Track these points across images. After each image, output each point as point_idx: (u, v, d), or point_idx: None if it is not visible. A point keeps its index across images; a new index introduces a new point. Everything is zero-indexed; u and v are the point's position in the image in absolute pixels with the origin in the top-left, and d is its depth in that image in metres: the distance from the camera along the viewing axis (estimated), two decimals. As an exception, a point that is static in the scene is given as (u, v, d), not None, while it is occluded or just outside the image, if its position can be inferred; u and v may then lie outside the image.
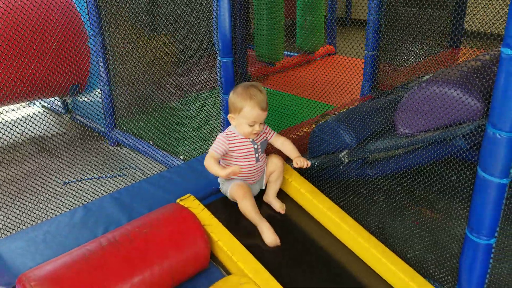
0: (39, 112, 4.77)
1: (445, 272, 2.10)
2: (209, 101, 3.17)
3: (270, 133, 2.34)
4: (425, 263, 2.15)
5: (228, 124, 2.80)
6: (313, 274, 2.07)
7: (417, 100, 2.03)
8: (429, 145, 2.07)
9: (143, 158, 3.77)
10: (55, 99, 4.50)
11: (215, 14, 2.59)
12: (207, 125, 3.18)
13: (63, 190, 3.41)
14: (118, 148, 4.01)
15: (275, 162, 2.33)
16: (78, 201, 3.16)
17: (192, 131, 3.31)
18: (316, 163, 2.52)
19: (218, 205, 2.30)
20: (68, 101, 4.44)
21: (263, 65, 5.28)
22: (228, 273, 2.01)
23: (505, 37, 1.58)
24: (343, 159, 2.34)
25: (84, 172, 3.58)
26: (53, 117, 4.61)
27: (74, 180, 3.48)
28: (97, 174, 3.54)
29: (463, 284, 1.99)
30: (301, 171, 2.51)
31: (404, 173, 2.18)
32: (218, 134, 2.91)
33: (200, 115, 3.25)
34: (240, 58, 5.27)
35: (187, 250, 1.90)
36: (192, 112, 3.38)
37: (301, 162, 2.19)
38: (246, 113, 2.12)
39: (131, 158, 3.81)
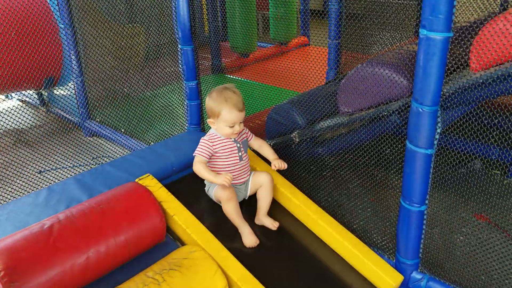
0: (15, 106, 4.88)
1: (386, 240, 2.26)
2: (175, 91, 3.30)
3: (249, 135, 2.40)
4: (369, 233, 2.31)
5: (193, 109, 2.95)
6: (262, 243, 2.23)
7: (354, 80, 2.18)
8: (369, 123, 2.22)
9: (116, 147, 3.90)
10: (31, 93, 4.60)
11: (173, 3, 2.71)
12: (173, 113, 3.32)
13: (38, 178, 3.53)
14: (93, 138, 4.13)
15: (261, 177, 2.33)
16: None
17: (160, 119, 3.44)
18: (271, 144, 2.66)
19: (176, 184, 2.44)
20: (44, 94, 4.54)
21: (238, 57, 5.41)
22: (184, 245, 2.15)
23: (421, 18, 1.73)
24: (294, 138, 2.49)
25: (60, 162, 3.69)
26: (30, 110, 4.72)
27: (49, 169, 3.59)
28: (72, 164, 3.66)
29: (401, 249, 2.16)
30: (256, 151, 2.67)
31: (349, 150, 2.34)
32: (183, 119, 3.06)
33: (167, 104, 3.38)
34: (214, 50, 5.41)
35: (142, 224, 2.04)
36: (159, 101, 3.51)
37: (279, 164, 2.26)
38: (224, 116, 2.18)
39: (104, 148, 3.93)
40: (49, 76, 4.17)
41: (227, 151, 2.27)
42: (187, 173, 2.54)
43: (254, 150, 2.53)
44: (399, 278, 2.13)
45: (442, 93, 1.81)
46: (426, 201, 2.03)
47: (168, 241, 2.16)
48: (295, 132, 2.50)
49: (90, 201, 2.06)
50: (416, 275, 2.15)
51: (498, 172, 3.25)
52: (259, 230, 2.26)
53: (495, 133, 2.75)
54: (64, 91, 4.25)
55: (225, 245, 2.07)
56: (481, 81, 1.80)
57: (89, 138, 4.15)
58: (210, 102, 2.23)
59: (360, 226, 2.32)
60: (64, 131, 4.29)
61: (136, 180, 2.29)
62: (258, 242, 2.17)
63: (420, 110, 1.85)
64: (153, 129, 3.52)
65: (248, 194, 2.40)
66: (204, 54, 5.32)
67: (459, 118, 2.13)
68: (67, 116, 4.29)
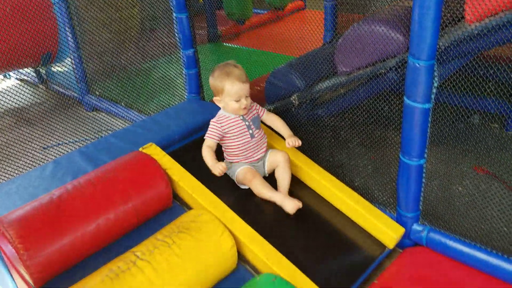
0: (14, 85, 4.88)
1: (387, 195, 2.32)
2: (174, 62, 3.30)
3: (261, 110, 2.36)
4: (370, 189, 2.36)
5: (191, 78, 2.96)
6: (268, 205, 2.29)
7: (351, 39, 2.19)
8: (368, 82, 2.24)
9: (117, 120, 3.93)
10: (29, 71, 4.60)
11: (166, -29, 2.70)
12: (173, 83, 3.33)
13: (43, 155, 3.58)
14: (94, 113, 4.16)
15: (277, 157, 2.31)
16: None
17: (160, 90, 3.46)
18: (271, 108, 2.69)
19: (179, 152, 2.48)
20: (42, 71, 4.54)
21: (234, 24, 5.37)
22: (190, 209, 2.21)
23: (415, -28, 1.73)
24: (293, 101, 2.51)
25: (63, 137, 3.73)
26: (29, 88, 4.72)
27: (53, 145, 3.63)
28: (75, 139, 3.70)
29: (401, 202, 2.21)
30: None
31: (348, 110, 2.37)
32: (182, 89, 3.08)
33: (166, 75, 3.39)
34: (210, 18, 5.36)
35: (149, 191, 2.10)
36: (158, 72, 3.52)
37: (293, 141, 2.22)
38: (228, 90, 2.16)
39: (106, 121, 3.96)
40: (46, 52, 4.17)
41: (236, 130, 2.24)
42: (189, 141, 2.57)
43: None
44: (400, 230, 2.19)
45: (438, 46, 1.82)
46: (425, 155, 2.07)
47: (175, 206, 2.22)
48: (295, 95, 2.52)
49: (96, 171, 2.10)
50: (417, 227, 2.21)
51: (497, 125, 3.28)
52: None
53: (493, 86, 2.77)
54: (62, 67, 4.25)
55: (231, 207, 2.12)
56: (476, 32, 1.81)
57: (90, 112, 4.18)
58: (213, 79, 2.22)
59: (362, 183, 2.37)
60: (64, 107, 4.30)
61: (140, 149, 2.33)
62: (300, 204, 2.15)
63: (417, 65, 1.86)
64: (153, 101, 3.54)
65: (266, 172, 2.36)
66: (200, 23, 5.28)
67: (456, 71, 2.15)
68: (67, 92, 4.30)
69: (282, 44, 4.31)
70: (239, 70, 2.19)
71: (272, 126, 2.37)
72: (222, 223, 2.00)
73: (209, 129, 2.24)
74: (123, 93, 3.82)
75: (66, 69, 4.22)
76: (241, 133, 2.25)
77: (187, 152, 2.50)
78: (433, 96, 1.93)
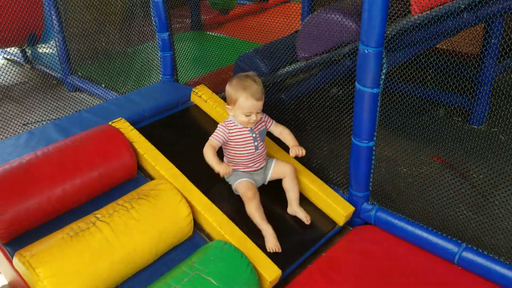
0: (1, 64, 4.98)
1: (341, 176, 2.46)
2: (152, 48, 3.43)
3: (269, 122, 2.34)
4: (326, 170, 2.50)
5: (166, 61, 3.09)
6: (225, 180, 2.42)
7: (310, 26, 2.32)
8: (325, 68, 2.38)
9: (97, 101, 4.05)
10: (15, 50, 4.70)
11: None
12: (150, 67, 3.46)
13: (22, 130, 3.69)
14: (76, 93, 4.27)
15: (284, 169, 2.31)
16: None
17: (138, 73, 3.59)
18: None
19: (148, 128, 2.61)
20: (28, 51, 4.64)
21: (217, 13, 5.48)
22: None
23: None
24: (259, 85, 2.64)
25: (44, 115, 3.85)
26: (15, 67, 4.82)
27: (33, 121, 3.75)
28: (55, 117, 3.82)
29: (353, 183, 2.36)
30: (226, 99, 2.83)
31: (308, 95, 2.51)
32: (158, 72, 3.21)
33: (145, 59, 3.52)
34: (193, 7, 5.46)
35: (114, 161, 2.23)
36: (137, 57, 3.66)
37: (298, 151, 2.20)
38: (241, 103, 2.14)
39: (86, 101, 4.08)
40: (31, 33, 4.28)
41: (242, 140, 2.24)
42: (159, 119, 2.70)
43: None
44: (350, 208, 2.34)
45: (385, 34, 1.97)
46: (374, 138, 2.22)
47: (139, 177, 2.35)
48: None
49: (65, 140, 2.23)
50: (366, 206, 2.36)
51: (460, 119, 3.44)
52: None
53: (456, 81, 2.92)
54: (47, 48, 4.35)
55: (191, 180, 2.26)
56: (418, 22, 1.95)
57: (72, 93, 4.29)
58: (229, 88, 2.20)
59: (318, 164, 2.52)
60: (48, 87, 4.42)
61: (109, 123, 2.45)
62: (279, 246, 2.12)
63: (366, 51, 2.00)
64: (131, 82, 3.66)
65: (267, 180, 2.37)
66: (184, 12, 5.38)
67: (423, 67, 2.28)
68: (50, 72, 4.41)
69: (263, 34, 4.43)
70: (257, 85, 2.16)
71: (280, 137, 2.34)
72: (180, 193, 2.14)
73: (216, 130, 2.25)
74: (103, 75, 3.94)
75: (50, 50, 4.33)
76: (247, 144, 2.25)
77: (155, 129, 2.63)
78: (381, 82, 2.07)
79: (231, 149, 2.27)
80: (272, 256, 2.08)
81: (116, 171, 2.23)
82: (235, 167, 2.29)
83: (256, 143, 2.26)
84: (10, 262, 1.90)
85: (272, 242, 2.12)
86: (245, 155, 2.26)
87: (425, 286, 1.98)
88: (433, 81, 3.46)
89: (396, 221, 2.26)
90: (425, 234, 2.16)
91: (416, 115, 3.21)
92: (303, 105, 2.51)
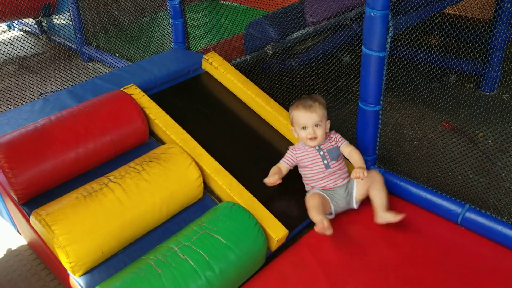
0: (18, 36, 5.06)
1: (349, 140, 2.48)
2: (164, 17, 3.45)
3: (340, 141, 2.29)
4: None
5: (177, 28, 3.12)
6: (239, 145, 2.48)
7: (318, -10, 2.32)
8: (334, 33, 2.38)
9: (111, 70, 4.11)
10: (31, 22, 4.77)
11: None
12: (164, 35, 3.49)
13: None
14: (90, 64, 4.34)
15: (370, 176, 2.17)
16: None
17: (151, 42, 3.63)
18: (249, 58, 2.85)
19: (159, 95, 2.66)
20: (43, 22, 4.71)
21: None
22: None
23: None
24: (268, 51, 2.67)
25: (60, 85, 3.93)
26: (31, 38, 4.90)
27: (50, 91, 3.84)
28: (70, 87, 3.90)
29: (360, 146, 2.39)
30: (237, 67, 2.86)
31: (317, 60, 2.52)
32: (170, 40, 3.24)
33: (157, 27, 3.55)
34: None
35: (126, 126, 2.29)
36: (151, 26, 3.69)
37: (358, 173, 2.08)
38: (296, 119, 2.22)
39: (101, 71, 4.14)
40: (45, 3, 4.33)
41: (310, 160, 2.23)
42: (170, 86, 2.75)
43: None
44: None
45: (392, -3, 1.96)
46: (381, 102, 2.23)
47: (151, 142, 2.42)
48: (269, 45, 2.67)
49: (78, 105, 2.30)
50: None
51: (471, 85, 3.41)
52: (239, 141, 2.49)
53: (468, 47, 2.89)
54: (62, 19, 4.41)
55: (201, 144, 2.32)
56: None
57: (86, 63, 4.36)
58: (290, 110, 2.29)
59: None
60: (63, 57, 4.49)
61: (121, 89, 2.51)
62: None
63: (372, 14, 2.01)
64: (144, 51, 3.71)
65: (354, 200, 2.20)
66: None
67: (434, 32, 2.27)
68: (66, 42, 4.48)
69: (273, 2, 4.41)
70: (311, 100, 2.20)
71: (348, 157, 2.26)
72: (190, 156, 2.20)
73: (286, 154, 2.29)
74: (117, 44, 3.98)
75: (65, 21, 4.39)
76: (315, 163, 2.22)
77: (167, 95, 2.68)
78: (388, 45, 2.08)
79: (303, 169, 2.28)
80: (280, 216, 2.13)
81: (127, 135, 2.29)
82: (312, 186, 2.26)
83: (326, 161, 2.21)
84: (28, 221, 2.00)
85: (319, 226, 2.03)
86: (316, 174, 2.22)
87: (428, 246, 2.03)
88: (444, 48, 3.42)
89: (401, 184, 2.30)
90: (429, 196, 2.19)
91: (427, 82, 3.20)
92: (312, 71, 2.53)
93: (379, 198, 2.12)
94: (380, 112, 2.26)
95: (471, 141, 2.71)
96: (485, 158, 2.44)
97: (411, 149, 2.32)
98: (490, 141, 2.64)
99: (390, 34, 2.05)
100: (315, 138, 2.20)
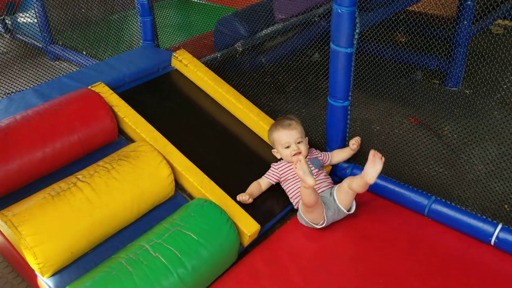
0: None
1: (318, 136, 2.52)
2: (132, 15, 3.41)
3: (326, 156, 2.36)
4: (305, 131, 2.55)
5: (146, 26, 3.09)
6: (210, 142, 2.48)
7: (286, -13, 2.34)
8: (303, 30, 2.40)
9: (79, 69, 4.04)
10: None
11: None
12: (132, 33, 3.46)
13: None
14: (57, 62, 4.25)
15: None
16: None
17: (119, 40, 3.58)
18: (219, 55, 2.85)
19: (128, 93, 2.63)
20: (7, 20, 4.58)
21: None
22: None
23: None
24: (238, 48, 2.67)
25: (25, 85, 3.84)
26: (-5, 37, 4.77)
27: (15, 91, 3.74)
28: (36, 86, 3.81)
29: (330, 142, 2.43)
30: (207, 64, 2.86)
31: (286, 57, 2.54)
32: (139, 38, 3.21)
33: (124, 25, 3.51)
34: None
35: (94, 124, 2.25)
36: (119, 24, 3.64)
37: (354, 141, 2.29)
38: (277, 139, 2.26)
39: (68, 70, 4.06)
40: (9, 1, 4.22)
41: (294, 173, 2.22)
42: (139, 83, 2.72)
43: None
44: (328, 167, 2.41)
45: (358, -6, 2.00)
46: (349, 97, 2.27)
47: (120, 140, 2.39)
48: (239, 42, 2.68)
49: (44, 104, 2.25)
50: (342, 164, 2.43)
51: (437, 81, 3.50)
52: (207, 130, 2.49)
53: (434, 44, 2.96)
54: (27, 17, 4.30)
55: (171, 142, 2.30)
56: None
57: (53, 62, 4.27)
58: (268, 134, 2.36)
59: (297, 125, 2.57)
60: (29, 57, 4.38)
61: (89, 87, 2.47)
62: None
63: (340, 11, 2.04)
64: (112, 49, 3.66)
65: (340, 206, 2.08)
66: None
67: (401, 30, 2.32)
68: (32, 41, 4.37)
69: (249, 0, 4.42)
70: (289, 120, 2.28)
71: (340, 157, 2.37)
72: (161, 154, 2.19)
73: (268, 170, 2.30)
74: (84, 42, 3.92)
75: (30, 19, 4.28)
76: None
77: (136, 93, 2.65)
78: (355, 42, 2.11)
79: (286, 183, 2.26)
80: (252, 212, 2.15)
81: (96, 134, 2.26)
82: (298, 202, 2.19)
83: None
84: (-6, 223, 1.95)
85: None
86: (299, 185, 2.15)
87: (397, 237, 2.07)
88: (411, 45, 3.50)
89: (370, 178, 2.34)
90: (397, 189, 2.24)
91: (395, 78, 3.26)
92: (282, 68, 2.55)
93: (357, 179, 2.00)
94: (349, 107, 2.30)
95: (437, 135, 2.78)
96: (450, 151, 2.51)
97: (379, 144, 2.37)
98: (454, 135, 2.71)
99: (357, 31, 2.09)
100: (299, 153, 2.23)
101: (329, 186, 2.23)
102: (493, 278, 1.86)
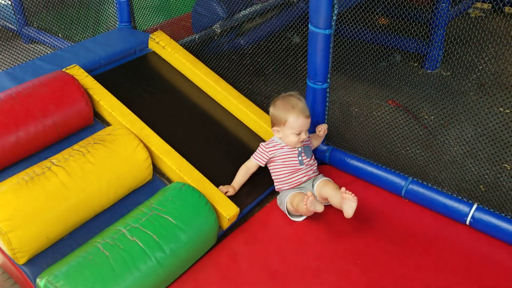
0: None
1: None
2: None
3: (311, 139, 2.31)
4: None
5: (122, 7, 3.01)
6: (188, 126, 2.45)
7: (264, -33, 2.31)
8: (282, 11, 2.38)
9: (53, 51, 3.94)
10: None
11: None
12: (108, 15, 3.38)
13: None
14: (32, 45, 4.14)
15: (324, 181, 2.15)
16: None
17: (96, 21, 3.50)
18: (197, 37, 2.81)
19: (104, 75, 2.58)
20: (-21, 2, 4.44)
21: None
22: (111, 127, 2.34)
23: None
24: (216, 29, 2.63)
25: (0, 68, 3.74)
26: (-34, 19, 4.62)
27: (-12, 74, 3.64)
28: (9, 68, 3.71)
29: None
30: (185, 46, 2.82)
31: (265, 39, 2.52)
32: (115, 19, 3.14)
33: (101, 6, 3.43)
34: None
35: (69, 107, 2.21)
36: (95, 4, 3.55)
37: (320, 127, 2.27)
38: (291, 123, 2.09)
39: (44, 53, 3.96)
40: (-20, -19, 4.08)
41: (285, 156, 2.18)
42: (115, 66, 2.67)
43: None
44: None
45: (336, -26, 1.98)
46: (328, 80, 2.26)
47: (96, 124, 2.35)
48: (217, 23, 2.64)
49: (17, 87, 2.19)
50: (322, 147, 2.44)
51: (416, 64, 3.52)
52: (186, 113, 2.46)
53: (412, 26, 2.97)
54: (-1, -2, 4.17)
55: (149, 125, 2.27)
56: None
57: (28, 45, 4.16)
58: (275, 110, 2.15)
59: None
60: (2, 39, 4.26)
61: (63, 70, 2.41)
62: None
63: (318, -8, 2.01)
64: (89, 31, 3.57)
65: (315, 191, 2.13)
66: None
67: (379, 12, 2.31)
68: (5, 23, 4.24)
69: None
70: (303, 103, 2.13)
71: (315, 143, 2.37)
72: (138, 138, 2.15)
73: (257, 150, 2.22)
74: (60, 25, 3.82)
75: (3, 1, 4.15)
76: (290, 159, 2.17)
77: (112, 76, 2.60)
78: (333, 23, 2.10)
79: (274, 165, 2.21)
80: (231, 196, 2.15)
81: (71, 117, 2.22)
82: (284, 187, 2.19)
83: (300, 158, 2.18)
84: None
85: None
86: (290, 171, 2.17)
87: (375, 218, 2.09)
88: (390, 27, 3.50)
89: (349, 160, 2.35)
90: (375, 171, 2.26)
91: (374, 61, 3.27)
92: (261, 50, 2.52)
93: (337, 197, 1.99)
94: (328, 90, 2.29)
95: (415, 117, 2.80)
96: (427, 133, 2.54)
97: (358, 126, 2.38)
98: (432, 117, 2.73)
99: (336, 12, 2.07)
100: (304, 141, 2.19)
101: (314, 174, 2.23)
102: (469, 257, 1.89)
